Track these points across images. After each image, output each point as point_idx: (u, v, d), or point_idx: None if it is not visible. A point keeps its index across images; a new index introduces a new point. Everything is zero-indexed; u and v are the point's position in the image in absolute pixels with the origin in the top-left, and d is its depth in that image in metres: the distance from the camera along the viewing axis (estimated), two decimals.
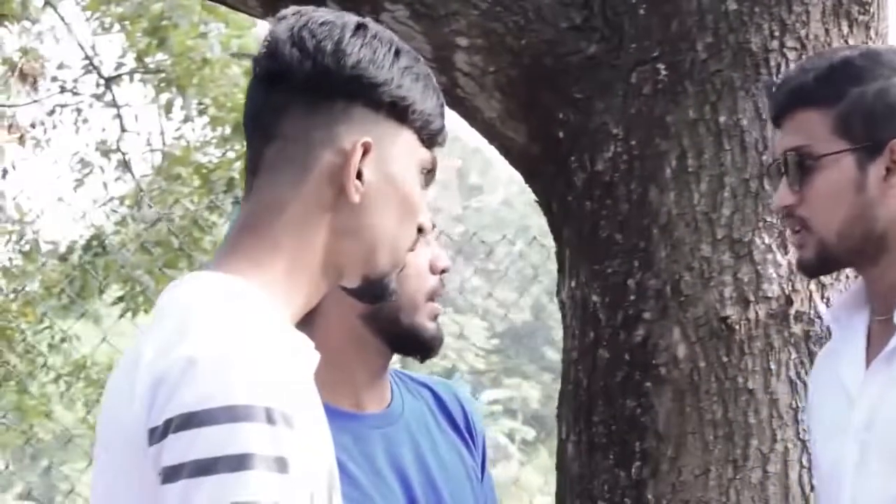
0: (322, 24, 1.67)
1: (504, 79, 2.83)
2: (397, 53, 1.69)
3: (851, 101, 2.08)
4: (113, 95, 8.22)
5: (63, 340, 8.58)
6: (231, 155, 7.65)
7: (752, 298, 2.68)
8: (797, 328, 2.69)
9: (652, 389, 2.71)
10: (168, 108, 8.02)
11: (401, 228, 1.69)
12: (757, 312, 2.68)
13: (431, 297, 2.16)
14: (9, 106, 8.22)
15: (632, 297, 2.74)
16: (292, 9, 1.72)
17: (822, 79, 2.11)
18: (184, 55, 7.21)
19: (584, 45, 2.81)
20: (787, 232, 2.33)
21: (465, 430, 2.28)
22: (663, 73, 2.74)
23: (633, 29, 2.78)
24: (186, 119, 8.11)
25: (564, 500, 2.86)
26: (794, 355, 2.70)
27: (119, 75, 8.03)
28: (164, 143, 8.26)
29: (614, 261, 2.76)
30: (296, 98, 1.65)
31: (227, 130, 7.67)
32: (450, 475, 2.17)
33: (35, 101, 8.40)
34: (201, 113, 7.95)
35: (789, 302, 2.68)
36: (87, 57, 8.05)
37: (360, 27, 1.68)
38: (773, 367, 2.69)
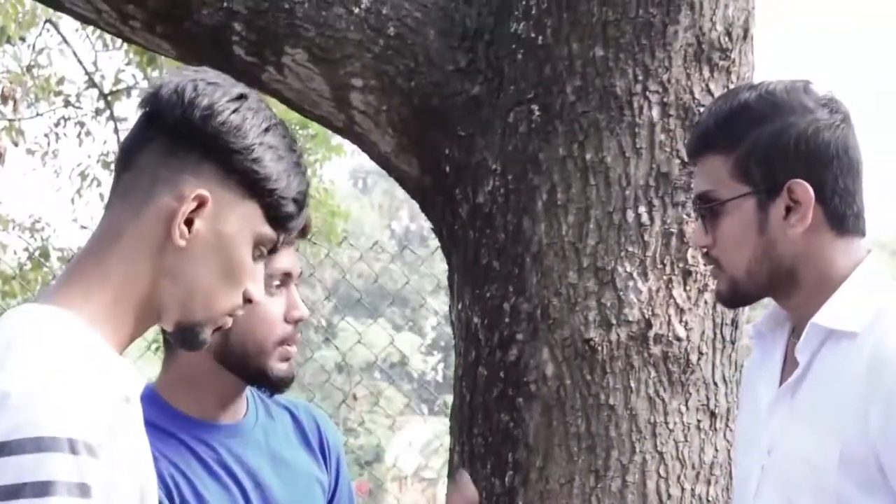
0: (209, 83, 1.80)
1: (396, 116, 3.07)
2: (267, 130, 1.79)
3: (748, 146, 2.14)
4: (111, 110, 8.49)
5: None
6: None
7: (614, 322, 2.90)
8: (656, 349, 2.91)
9: (523, 405, 2.93)
10: None
11: (218, 286, 1.78)
12: (618, 335, 2.90)
13: (283, 342, 2.34)
14: (16, 119, 8.49)
15: (507, 320, 2.96)
16: (199, 68, 1.85)
17: (721, 124, 2.19)
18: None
19: (468, 86, 3.04)
20: (706, 267, 2.43)
21: (317, 448, 2.49)
22: (537, 113, 2.96)
23: (511, 72, 3.00)
24: None
25: None
26: (652, 374, 2.91)
27: (118, 91, 8.29)
28: None
29: (492, 286, 2.99)
30: (160, 138, 1.78)
31: None
32: (291, 486, 2.37)
33: (39, 115, 8.68)
34: None
35: (649, 325, 2.90)
36: (87, 73, 8.32)
37: (241, 97, 1.79)
38: (632, 384, 2.90)
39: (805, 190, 2.11)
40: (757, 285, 2.20)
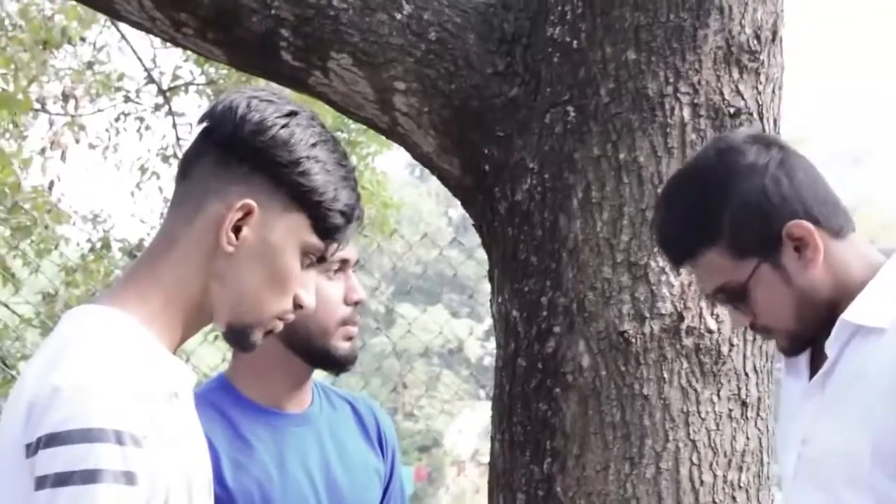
0: (262, 101, 1.89)
1: (437, 118, 3.19)
2: (314, 145, 1.88)
3: (729, 227, 2.19)
4: (169, 105, 8.67)
5: None
6: None
7: (647, 315, 3.01)
8: (688, 341, 3.02)
9: (560, 394, 3.06)
10: None
11: (265, 291, 1.88)
12: (652, 327, 3.01)
13: (344, 323, 2.47)
14: (77, 116, 8.69)
15: (544, 313, 3.08)
16: (258, 88, 1.99)
17: (692, 225, 2.23)
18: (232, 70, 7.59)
19: (506, 88, 3.16)
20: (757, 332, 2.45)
21: (375, 440, 2.60)
22: (572, 114, 3.08)
23: (548, 74, 3.12)
24: None
25: (493, 492, 3.22)
26: (685, 365, 3.02)
27: (176, 87, 8.47)
28: None
29: (530, 280, 3.11)
30: (214, 151, 1.89)
31: None
32: (353, 475, 2.49)
33: (100, 111, 8.87)
34: None
35: (681, 318, 3.01)
36: (146, 69, 8.50)
37: (291, 113, 1.89)
38: (665, 375, 3.02)
39: (799, 226, 2.16)
40: (811, 324, 2.23)
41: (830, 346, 2.20)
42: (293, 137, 1.87)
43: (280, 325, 1.95)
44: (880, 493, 2.10)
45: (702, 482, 3.02)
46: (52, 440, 1.67)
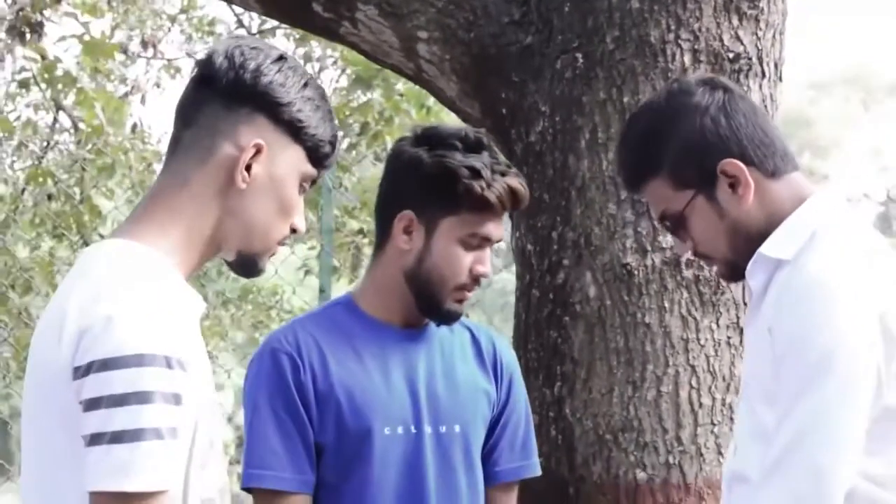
0: (252, 48, 2.07)
1: (458, 65, 3.41)
2: (305, 85, 2.04)
3: (671, 159, 2.34)
4: None
5: None
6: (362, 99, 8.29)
7: (649, 248, 3.22)
8: (688, 273, 3.22)
9: (569, 323, 3.28)
10: (306, 59, 8.75)
11: (274, 221, 2.04)
12: (653, 260, 3.22)
13: (461, 288, 2.63)
14: (168, 59, 9.02)
15: (555, 247, 3.30)
16: (236, 35, 2.21)
17: (639, 155, 2.39)
18: None
19: (521, 36, 3.37)
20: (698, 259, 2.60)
21: (490, 365, 2.76)
22: (580, 61, 3.28)
23: (559, 23, 3.32)
24: (321, 69, 8.81)
25: None
26: (685, 295, 3.23)
27: (264, 30, 8.73)
28: None
29: (543, 216, 3.33)
30: (216, 98, 2.03)
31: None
32: (455, 390, 2.68)
33: (190, 56, 9.18)
34: (334, 63, 8.66)
35: None
36: (235, 14, 8.79)
37: (281, 58, 2.06)
38: (666, 305, 3.22)
39: (733, 164, 2.32)
40: (745, 254, 2.37)
41: (751, 277, 2.37)
42: (288, 80, 2.02)
43: (278, 249, 2.14)
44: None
45: (700, 404, 3.22)
46: (107, 364, 1.80)
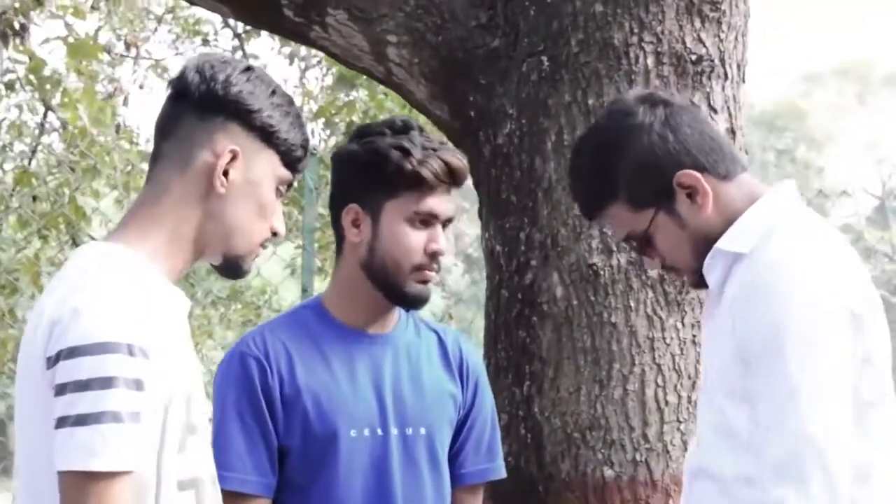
0: (222, 62, 2.20)
1: (427, 68, 3.45)
2: (273, 93, 2.18)
3: (625, 183, 2.38)
4: (243, 49, 9.02)
5: None
6: (344, 99, 8.34)
7: (615, 248, 3.26)
8: (653, 273, 3.26)
9: (537, 322, 3.32)
10: (291, 58, 8.80)
11: (254, 223, 2.17)
12: (619, 260, 3.26)
13: (419, 269, 2.66)
14: (155, 60, 9.06)
15: (522, 248, 3.35)
16: (208, 52, 2.28)
17: (593, 182, 2.42)
18: None
19: (488, 39, 3.41)
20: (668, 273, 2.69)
21: (456, 369, 2.80)
22: (546, 63, 3.32)
23: (525, 27, 3.36)
24: (307, 68, 8.86)
25: None
26: (650, 295, 3.27)
27: (249, 31, 8.78)
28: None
29: (511, 217, 3.37)
30: (191, 110, 2.16)
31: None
32: (421, 394, 2.72)
33: (180, 54, 9.24)
34: (318, 62, 8.70)
35: None
36: (221, 14, 8.82)
37: (248, 69, 2.20)
38: (632, 304, 3.27)
39: (689, 175, 2.36)
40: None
41: (707, 272, 2.41)
42: (256, 88, 2.15)
43: (261, 251, 2.25)
44: (752, 401, 2.27)
45: (667, 402, 3.27)
46: (73, 352, 1.92)
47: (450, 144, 2.71)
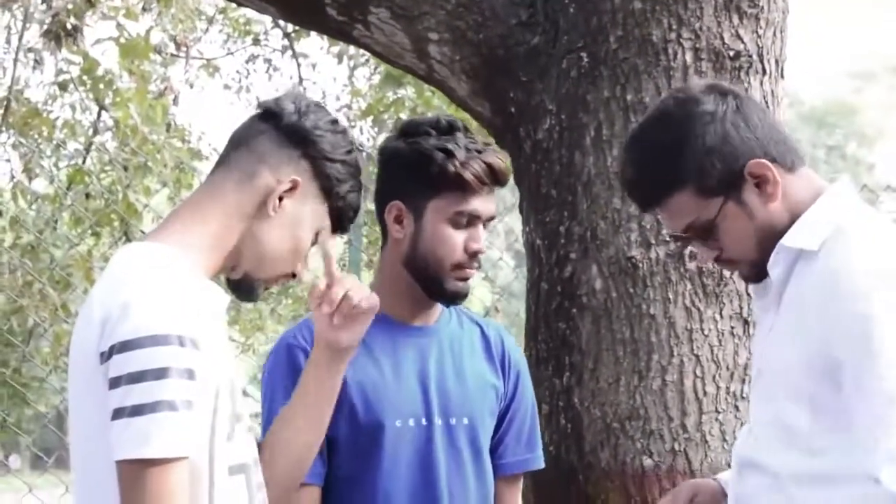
0: (317, 105, 2.33)
1: (468, 65, 3.52)
2: (349, 152, 2.31)
3: (695, 169, 2.36)
4: (293, 48, 9.12)
5: None
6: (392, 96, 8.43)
7: (653, 241, 3.31)
8: (692, 265, 3.30)
9: (577, 314, 3.38)
10: (340, 57, 8.89)
11: (285, 256, 2.26)
12: (657, 253, 3.31)
13: (458, 267, 2.74)
14: (206, 59, 9.18)
15: (562, 241, 3.40)
16: (302, 93, 2.40)
17: (661, 169, 2.39)
18: None
19: (528, 37, 3.47)
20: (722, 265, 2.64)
21: (498, 361, 2.88)
22: (585, 60, 3.38)
23: (565, 24, 3.42)
24: (355, 66, 8.96)
25: None
26: (688, 287, 3.31)
27: (298, 30, 8.87)
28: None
29: (550, 211, 3.43)
30: (273, 132, 2.27)
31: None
32: (464, 384, 2.79)
33: (231, 54, 9.35)
34: (366, 61, 8.80)
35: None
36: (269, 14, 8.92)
37: (335, 121, 2.32)
38: (670, 296, 3.31)
39: (761, 164, 2.37)
40: (770, 252, 2.42)
41: (772, 268, 2.41)
42: (338, 141, 2.29)
43: (273, 286, 2.36)
44: (818, 403, 2.32)
45: (705, 393, 3.31)
46: (126, 346, 2.01)
47: (493, 145, 2.76)
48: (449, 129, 2.72)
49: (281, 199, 2.22)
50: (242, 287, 2.29)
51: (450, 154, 2.68)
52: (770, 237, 2.40)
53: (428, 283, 2.76)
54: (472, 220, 2.72)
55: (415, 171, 2.71)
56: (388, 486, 2.71)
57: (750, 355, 3.32)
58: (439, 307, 2.85)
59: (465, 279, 2.77)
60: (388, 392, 2.72)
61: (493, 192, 2.74)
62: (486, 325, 2.92)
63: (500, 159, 2.71)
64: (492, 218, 2.77)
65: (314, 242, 2.30)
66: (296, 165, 2.24)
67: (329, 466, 2.71)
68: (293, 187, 2.22)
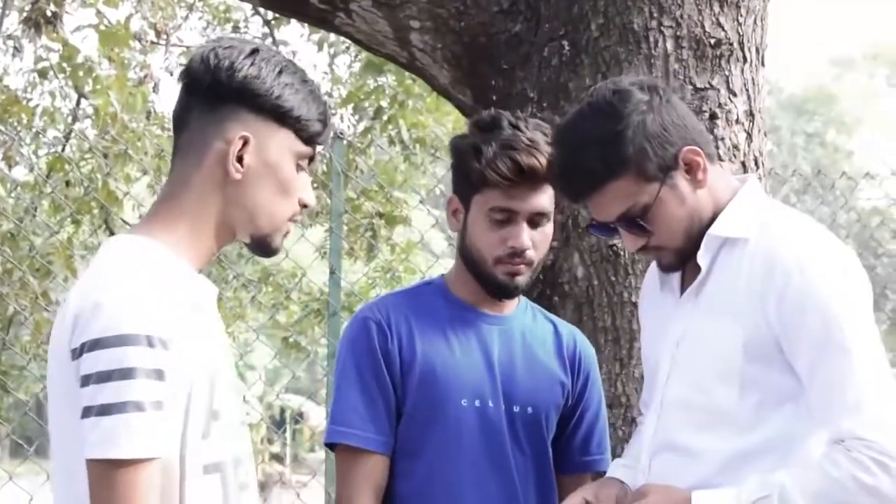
0: (226, 48, 2.20)
1: (449, 53, 3.52)
2: (280, 72, 2.19)
3: (635, 153, 2.44)
4: (273, 36, 9.09)
5: None
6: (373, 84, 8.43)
7: None
8: None
9: (559, 302, 3.39)
10: (320, 45, 8.88)
11: (276, 202, 2.19)
12: None
13: (499, 262, 2.76)
14: (186, 46, 9.15)
15: None
16: (218, 37, 2.32)
17: (597, 156, 2.46)
18: None
19: (510, 25, 3.48)
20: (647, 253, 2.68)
21: (568, 359, 2.90)
22: (567, 48, 3.38)
23: (546, 12, 3.43)
24: (336, 54, 8.95)
25: None
26: None
27: (278, 18, 8.85)
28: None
29: None
30: (200, 100, 2.18)
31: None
32: (532, 375, 2.82)
33: (208, 41, 9.30)
34: (347, 48, 8.79)
35: None
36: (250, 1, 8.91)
37: (253, 52, 2.20)
38: None
39: (693, 150, 2.46)
40: (695, 243, 2.51)
41: (702, 258, 2.50)
42: (262, 71, 2.16)
43: (291, 226, 2.28)
44: (747, 381, 2.43)
45: None
46: (95, 345, 1.99)
47: (540, 140, 2.70)
48: (490, 124, 2.74)
49: (241, 158, 2.15)
50: (257, 245, 2.24)
51: (478, 152, 2.70)
52: (697, 224, 2.49)
53: (478, 275, 2.80)
54: (512, 216, 2.74)
55: (458, 167, 2.78)
56: (447, 464, 2.75)
57: None
58: (515, 299, 2.89)
59: (513, 274, 2.78)
60: (455, 371, 2.77)
61: (536, 187, 2.72)
62: (559, 324, 2.96)
63: (533, 156, 2.68)
64: (538, 214, 2.76)
65: (302, 168, 2.23)
66: (237, 119, 2.16)
67: (395, 439, 2.76)
68: (245, 142, 2.15)
